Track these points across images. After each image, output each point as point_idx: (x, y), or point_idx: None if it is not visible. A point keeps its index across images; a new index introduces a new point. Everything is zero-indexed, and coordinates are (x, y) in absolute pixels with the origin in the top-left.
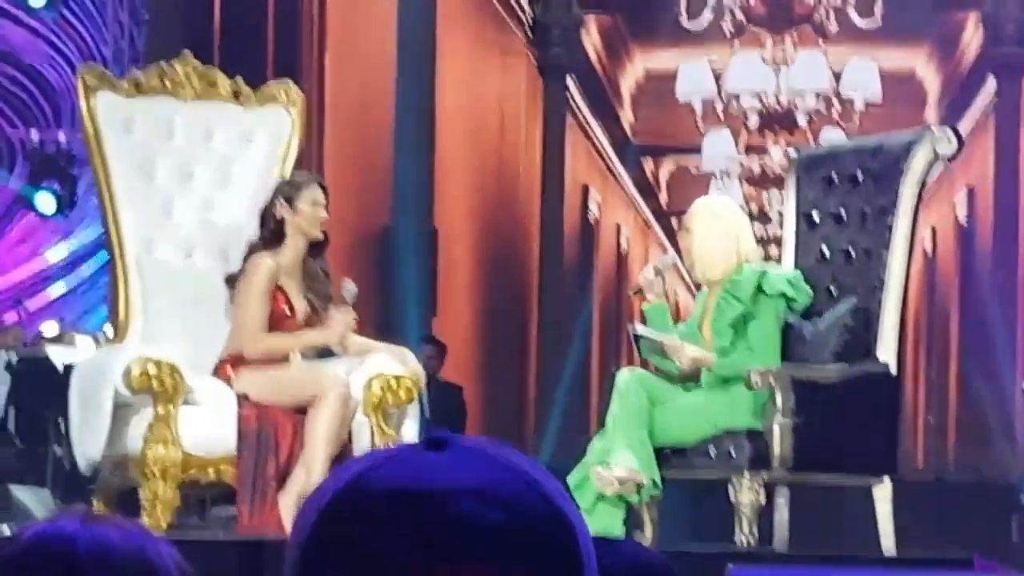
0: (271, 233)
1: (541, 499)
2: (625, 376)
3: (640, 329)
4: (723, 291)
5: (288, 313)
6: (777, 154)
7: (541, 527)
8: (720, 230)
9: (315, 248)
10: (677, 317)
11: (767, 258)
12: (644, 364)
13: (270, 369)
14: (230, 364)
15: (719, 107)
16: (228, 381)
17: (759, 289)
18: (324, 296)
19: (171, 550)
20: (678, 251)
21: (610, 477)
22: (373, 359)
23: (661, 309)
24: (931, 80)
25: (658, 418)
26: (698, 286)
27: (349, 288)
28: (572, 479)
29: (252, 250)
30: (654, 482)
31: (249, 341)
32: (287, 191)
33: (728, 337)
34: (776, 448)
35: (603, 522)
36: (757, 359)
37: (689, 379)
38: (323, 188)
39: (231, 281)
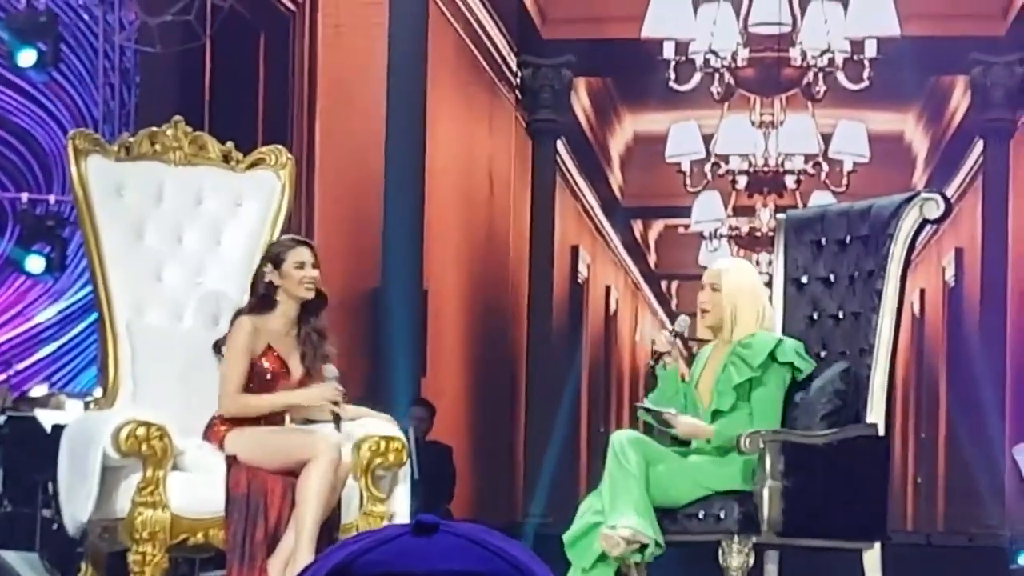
0: (260, 299)
1: None
2: (621, 438)
3: (645, 403)
4: (733, 353)
5: (283, 373)
6: (766, 216)
7: None
8: (749, 291)
9: (312, 307)
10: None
11: None
12: (633, 425)
13: (261, 431)
14: (220, 422)
15: (708, 169)
16: (220, 441)
17: (771, 356)
18: (321, 356)
19: None
20: (668, 312)
21: (616, 538)
22: (362, 422)
23: (673, 373)
24: (919, 143)
25: (652, 479)
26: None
27: (329, 371)
28: (567, 537)
29: (236, 315)
30: (656, 542)
31: (225, 400)
32: (273, 255)
33: (730, 400)
34: (765, 511)
35: None
36: (757, 424)
37: (682, 443)
38: (310, 247)
39: (218, 347)
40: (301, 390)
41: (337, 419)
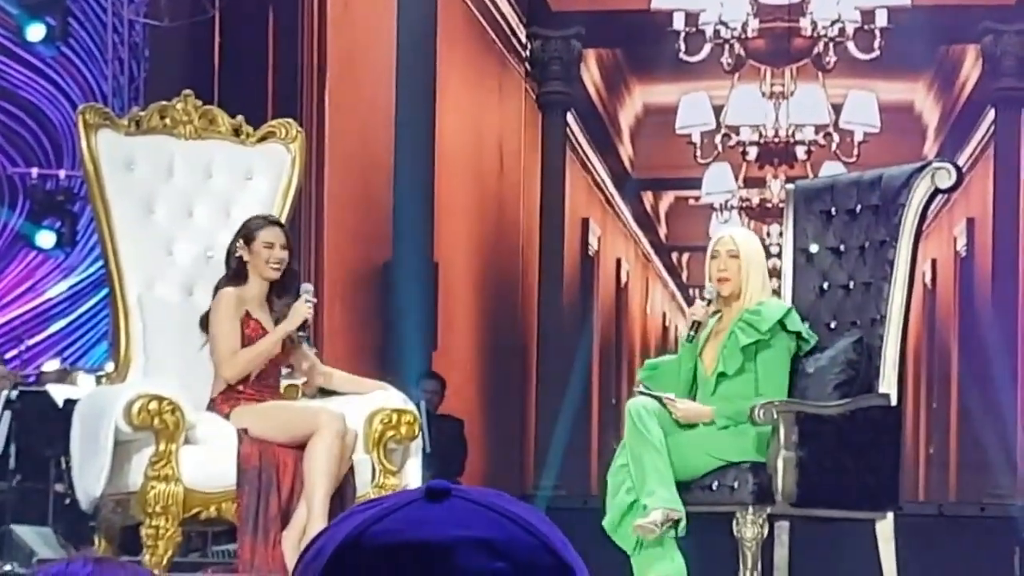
0: (234, 272)
1: (543, 549)
2: (638, 407)
3: (642, 388)
4: (741, 319)
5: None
6: (776, 187)
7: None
8: (759, 258)
9: (279, 286)
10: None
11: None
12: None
13: (265, 406)
14: (221, 401)
15: (718, 140)
16: (225, 418)
17: (780, 323)
18: (309, 330)
19: None
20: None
21: (650, 526)
22: (375, 394)
23: (697, 344)
24: (930, 112)
25: (669, 450)
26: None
27: (306, 288)
28: (607, 524)
29: (217, 287)
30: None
31: (226, 366)
32: (245, 231)
33: (736, 363)
34: (780, 482)
35: (664, 567)
36: (763, 389)
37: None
38: (281, 228)
39: (204, 322)
40: (283, 323)
41: (304, 326)
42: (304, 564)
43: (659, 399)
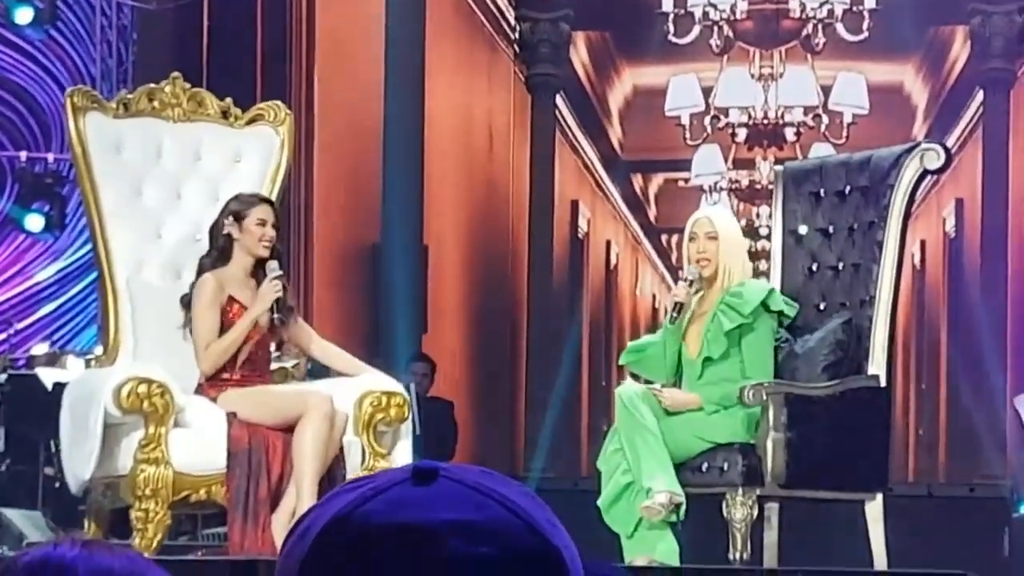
0: (219, 251)
1: (530, 531)
2: (629, 392)
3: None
4: (723, 302)
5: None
6: (766, 169)
7: (530, 560)
8: (739, 239)
9: (268, 263)
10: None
11: (757, 273)
12: (635, 378)
13: (252, 390)
14: (208, 387)
15: (707, 122)
16: (212, 401)
17: (762, 304)
18: (285, 308)
19: None
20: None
21: (657, 507)
22: (364, 377)
23: (681, 328)
24: (919, 93)
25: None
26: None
27: (271, 267)
28: (602, 503)
29: (200, 270)
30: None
31: (200, 360)
32: (236, 208)
33: (720, 348)
34: (769, 463)
35: (658, 550)
36: (749, 372)
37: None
38: (272, 206)
39: (184, 302)
40: (253, 307)
41: (279, 306)
42: (291, 544)
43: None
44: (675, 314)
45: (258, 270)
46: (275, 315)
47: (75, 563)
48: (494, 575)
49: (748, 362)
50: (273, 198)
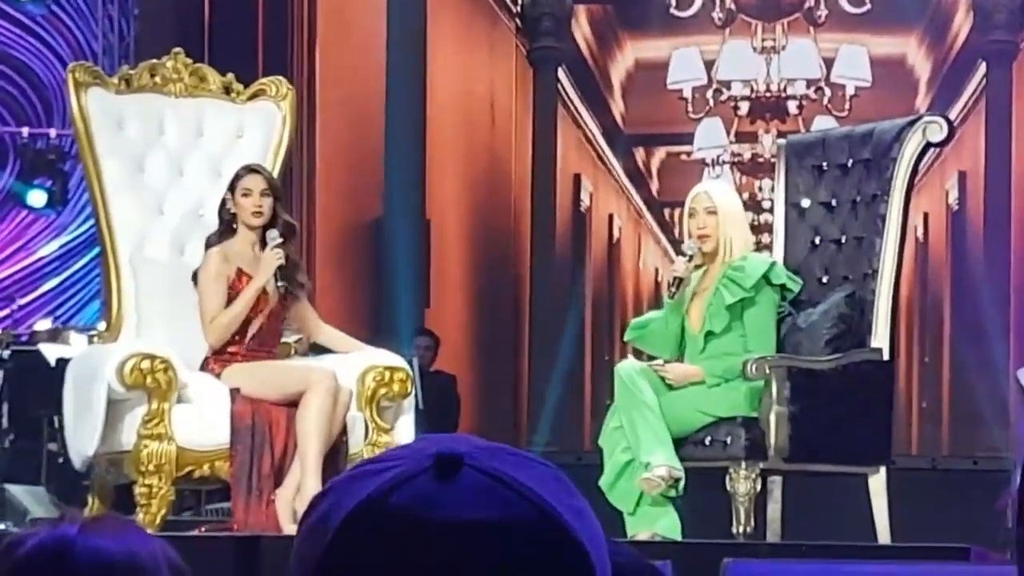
0: (225, 225)
1: (556, 528)
2: (628, 368)
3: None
4: (724, 276)
5: (262, 295)
6: (768, 142)
7: (555, 555)
8: (739, 213)
9: (268, 232)
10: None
11: (759, 246)
12: (637, 354)
13: (256, 365)
14: (214, 361)
15: (710, 95)
16: (217, 378)
17: (764, 277)
18: (295, 283)
19: (169, 553)
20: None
21: (656, 479)
22: (367, 352)
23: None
24: (922, 66)
25: (661, 408)
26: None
27: (271, 235)
28: (604, 483)
29: (207, 246)
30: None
31: (206, 333)
32: (231, 183)
33: (723, 322)
34: (772, 437)
35: (660, 525)
36: (751, 345)
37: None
38: (261, 174)
39: (195, 277)
40: (257, 276)
41: (283, 274)
42: (308, 530)
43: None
44: (674, 289)
45: (263, 241)
46: (278, 283)
47: (71, 549)
48: (519, 570)
49: (750, 335)
50: (275, 173)
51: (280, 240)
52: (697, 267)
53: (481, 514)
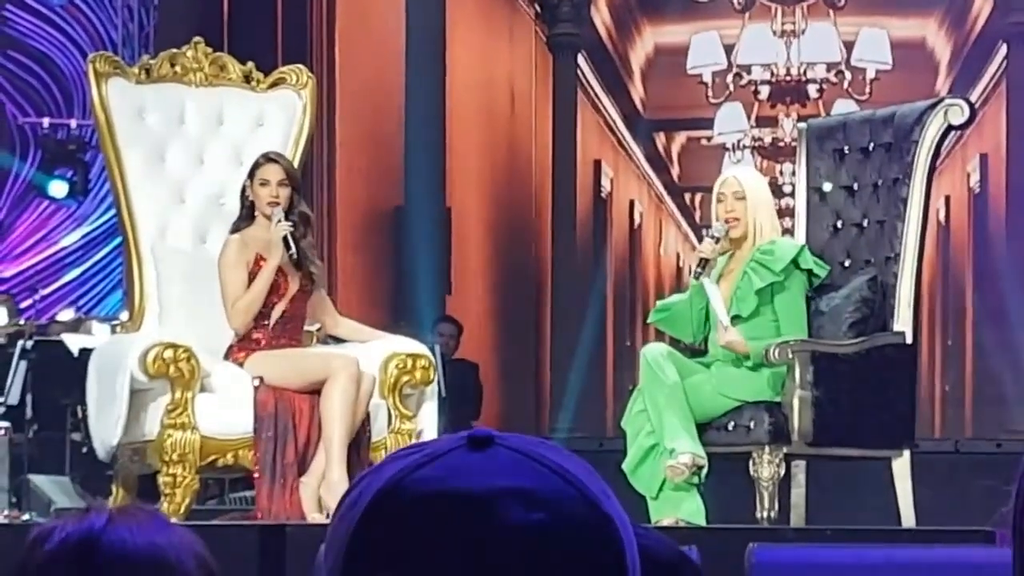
0: (245, 212)
1: (584, 501)
2: (654, 352)
3: (707, 286)
4: (753, 260)
5: (281, 278)
6: (789, 126)
7: (585, 529)
8: (767, 198)
9: (273, 211)
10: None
11: (782, 231)
12: (659, 337)
13: (279, 354)
14: (238, 349)
15: (730, 80)
16: (240, 366)
17: (793, 261)
18: (307, 270)
19: (196, 546)
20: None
21: (680, 466)
22: (389, 339)
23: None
24: (942, 48)
25: (686, 392)
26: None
27: (275, 213)
28: (627, 466)
29: (230, 232)
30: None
31: (230, 315)
32: (251, 169)
33: (751, 306)
34: (796, 421)
35: (684, 510)
36: (784, 330)
37: (697, 352)
38: (279, 164)
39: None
40: (271, 256)
41: (289, 243)
42: (341, 512)
43: (715, 313)
44: (699, 270)
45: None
46: (289, 252)
47: (98, 542)
48: (548, 542)
49: (783, 320)
50: (296, 161)
51: (280, 217)
52: (724, 252)
53: (511, 482)
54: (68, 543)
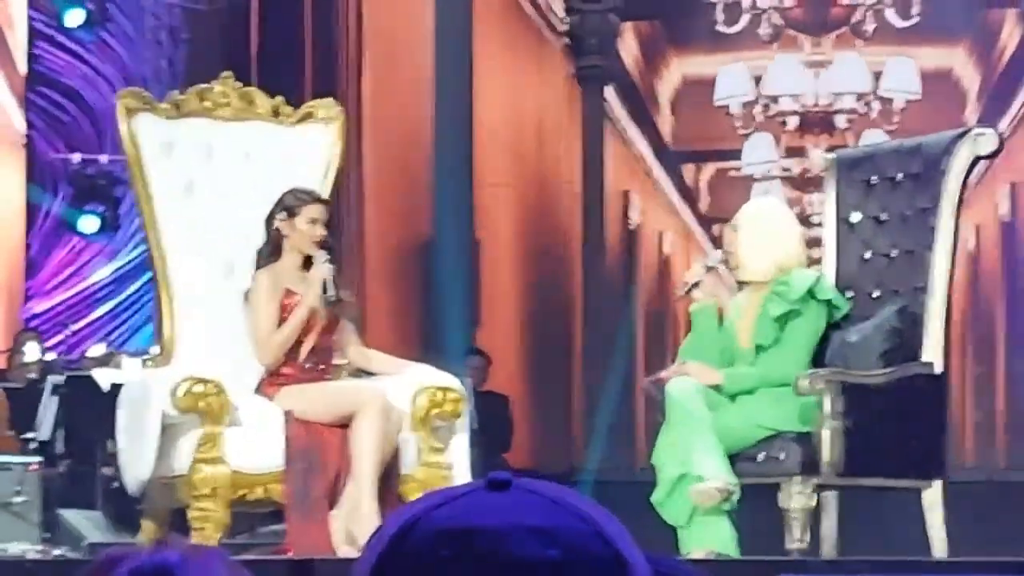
0: (273, 245)
1: (600, 540)
2: (679, 386)
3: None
4: (771, 292)
5: (311, 315)
6: (817, 156)
7: (599, 567)
8: (766, 232)
9: (316, 253)
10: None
11: (810, 261)
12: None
13: (309, 387)
14: (268, 384)
15: (758, 111)
16: (271, 400)
17: (809, 292)
18: (346, 309)
19: None
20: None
21: (711, 490)
22: (418, 370)
23: (709, 310)
24: (970, 78)
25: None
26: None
27: (318, 256)
28: (656, 499)
29: (257, 266)
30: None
31: (260, 351)
32: (290, 203)
33: (772, 334)
34: (826, 452)
35: (715, 540)
36: (783, 354)
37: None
38: (326, 205)
39: (247, 298)
40: (307, 294)
41: (327, 287)
42: (367, 549)
43: (660, 379)
44: (683, 292)
45: (310, 262)
46: (327, 295)
47: (177, 569)
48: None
49: (786, 346)
50: (326, 195)
51: (327, 258)
52: (742, 284)
53: (527, 520)
54: (141, 572)
